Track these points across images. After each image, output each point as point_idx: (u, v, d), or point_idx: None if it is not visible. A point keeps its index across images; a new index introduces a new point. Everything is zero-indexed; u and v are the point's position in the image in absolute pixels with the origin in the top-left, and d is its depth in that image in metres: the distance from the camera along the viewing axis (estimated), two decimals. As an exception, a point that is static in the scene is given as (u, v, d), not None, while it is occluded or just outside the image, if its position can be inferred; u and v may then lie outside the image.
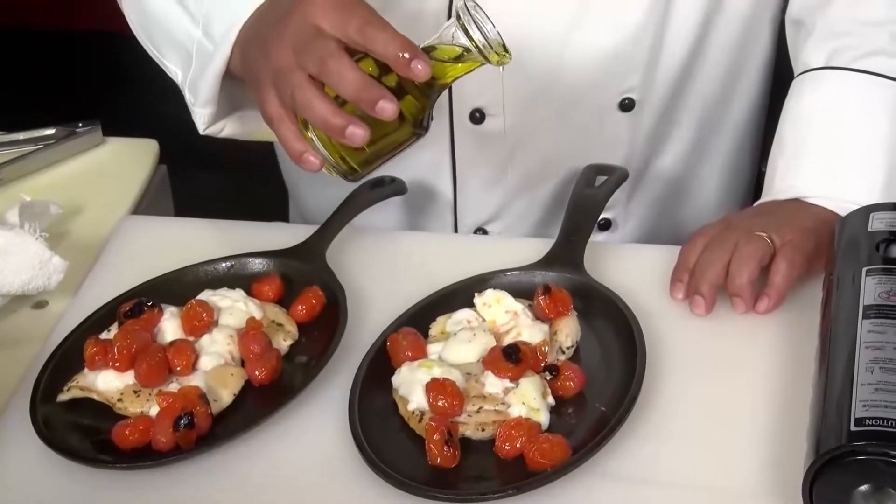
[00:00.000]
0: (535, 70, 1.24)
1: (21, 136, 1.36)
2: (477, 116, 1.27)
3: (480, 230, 1.35)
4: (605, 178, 1.20)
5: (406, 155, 1.28)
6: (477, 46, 0.95)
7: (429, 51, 0.96)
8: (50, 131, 1.35)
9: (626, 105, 1.26)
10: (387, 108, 0.93)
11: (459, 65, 0.97)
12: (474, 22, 0.95)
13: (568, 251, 1.12)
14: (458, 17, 0.95)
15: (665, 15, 1.22)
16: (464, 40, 0.95)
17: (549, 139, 1.28)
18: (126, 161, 1.37)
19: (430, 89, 0.97)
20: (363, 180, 1.04)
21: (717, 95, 1.32)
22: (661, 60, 1.25)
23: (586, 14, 1.21)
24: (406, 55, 0.92)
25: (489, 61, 0.97)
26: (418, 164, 1.30)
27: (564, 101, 1.26)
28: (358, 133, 0.94)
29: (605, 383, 1.00)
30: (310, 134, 0.98)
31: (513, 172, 1.30)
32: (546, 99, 1.26)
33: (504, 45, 0.97)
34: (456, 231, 1.35)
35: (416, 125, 0.98)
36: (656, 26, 1.23)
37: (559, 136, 1.28)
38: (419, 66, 0.93)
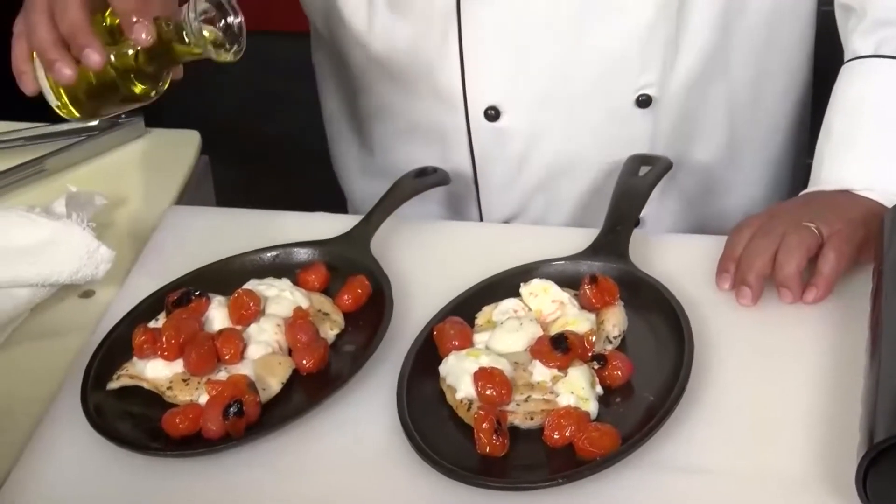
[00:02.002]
0: (545, 68, 1.24)
1: (65, 127, 1.36)
2: (491, 114, 1.27)
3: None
4: (649, 168, 1.20)
5: (429, 151, 1.30)
6: (184, 33, 0.99)
7: (174, 22, 0.99)
8: (93, 122, 1.36)
9: (643, 102, 1.25)
10: (91, 57, 0.98)
11: (183, 47, 1.00)
12: (194, 8, 0.98)
13: (613, 241, 1.12)
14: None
15: (680, 10, 1.22)
16: (182, 23, 0.99)
17: (565, 136, 1.28)
18: (168, 152, 1.37)
19: (162, 59, 1.01)
20: (88, 122, 1.10)
21: (747, 91, 1.31)
22: (680, 57, 1.24)
23: (594, 10, 1.21)
24: (135, 17, 0.98)
25: (208, 54, 1.00)
26: (440, 160, 1.30)
27: (578, 98, 1.26)
28: (65, 72, 0.99)
29: (652, 373, 1.00)
30: (35, 59, 1.02)
31: (531, 169, 1.30)
32: (559, 97, 1.26)
33: (230, 43, 1.01)
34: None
35: (145, 90, 1.03)
36: (670, 22, 1.22)
37: (576, 133, 1.28)
38: (142, 32, 0.98)
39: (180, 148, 1.38)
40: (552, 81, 1.25)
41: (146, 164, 1.36)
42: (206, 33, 1.00)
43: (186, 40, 0.99)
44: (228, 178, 1.51)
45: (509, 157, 1.30)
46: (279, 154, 1.85)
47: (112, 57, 1.00)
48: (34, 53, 1.02)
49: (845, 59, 1.20)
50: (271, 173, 1.89)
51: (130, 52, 1.01)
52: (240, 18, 1.02)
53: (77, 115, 1.05)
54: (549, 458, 0.93)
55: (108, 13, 1.01)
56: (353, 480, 0.94)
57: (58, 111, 1.05)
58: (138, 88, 1.03)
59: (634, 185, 1.18)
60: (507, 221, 1.35)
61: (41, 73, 1.02)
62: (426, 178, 1.22)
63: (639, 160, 1.21)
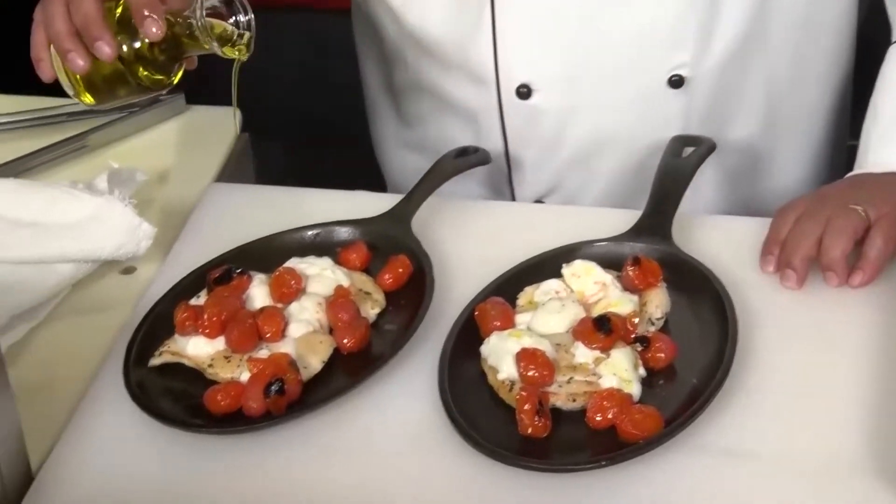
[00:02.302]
0: (577, 45, 1.23)
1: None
2: (523, 92, 1.26)
3: (538, 202, 1.34)
4: (693, 148, 1.19)
5: (462, 127, 1.29)
6: (195, 29, 1.01)
7: (184, 17, 1.01)
8: (147, 96, 1.36)
9: (676, 82, 1.24)
10: (102, 49, 1.01)
11: (193, 41, 1.02)
12: (201, 5, 1.00)
13: (657, 222, 1.11)
14: None
15: None
16: (190, 18, 1.01)
17: (597, 115, 1.28)
18: (210, 129, 1.37)
19: (172, 51, 1.03)
20: (105, 108, 1.12)
21: (787, 71, 1.29)
22: (714, 38, 1.23)
23: None
24: (146, 11, 1.00)
25: (215, 51, 1.03)
26: (471, 138, 1.30)
27: (608, 77, 1.25)
28: (77, 62, 1.02)
29: (695, 355, 0.99)
30: (52, 49, 1.04)
31: (563, 148, 1.30)
32: (590, 75, 1.25)
33: (243, 41, 1.03)
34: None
35: (157, 80, 1.06)
36: (704, 1, 1.20)
37: (607, 112, 1.27)
38: (152, 27, 1.00)
39: (221, 125, 1.38)
40: (583, 60, 1.24)
41: (187, 141, 1.37)
42: (214, 30, 1.01)
43: (195, 36, 1.00)
44: (269, 156, 1.51)
45: (541, 136, 1.29)
46: (321, 131, 1.85)
47: (124, 48, 1.02)
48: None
49: (892, 40, 1.18)
50: (312, 150, 1.89)
51: (142, 43, 1.03)
52: (249, 16, 1.03)
53: (92, 102, 1.07)
54: (591, 441, 0.93)
55: (121, 4, 1.03)
56: (393, 460, 0.94)
57: (73, 98, 1.07)
58: (150, 78, 1.05)
59: (678, 166, 1.17)
60: (539, 200, 1.35)
61: (58, 62, 1.04)
62: (467, 158, 1.22)
63: (682, 141, 1.20)
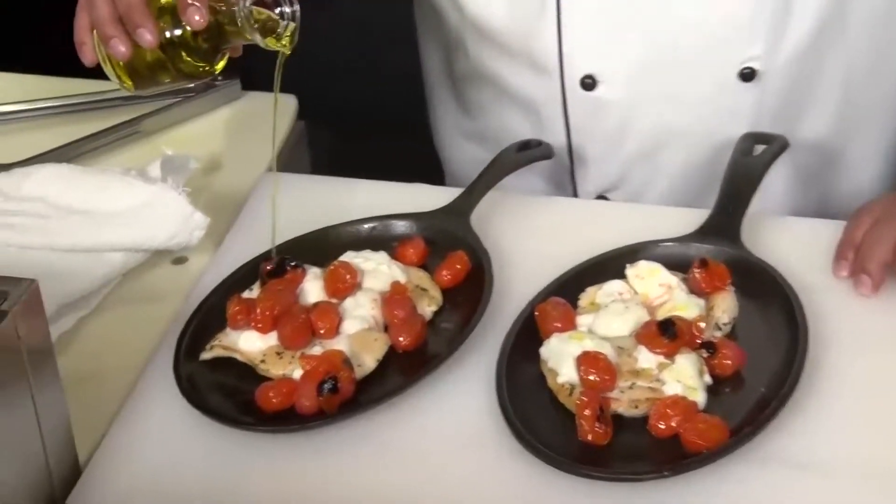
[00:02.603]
0: (645, 36, 1.22)
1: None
2: (588, 83, 1.25)
3: (601, 197, 1.33)
4: (764, 146, 1.17)
5: (524, 119, 1.28)
6: (238, 18, 1.00)
7: (228, 5, 1.01)
8: (189, 84, 1.36)
9: (748, 75, 1.22)
10: (144, 36, 1.01)
11: (236, 31, 1.01)
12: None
13: (725, 223, 1.10)
14: None
15: None
16: (235, 8, 1.01)
17: (664, 108, 1.26)
18: (264, 116, 1.36)
19: (215, 39, 1.03)
20: (143, 94, 1.11)
21: (865, 64, 1.27)
22: (789, 30, 1.21)
23: None
24: (189, 0, 1.00)
25: (257, 42, 1.02)
26: (533, 130, 1.29)
27: (677, 69, 1.23)
28: (119, 49, 1.02)
29: (764, 363, 0.97)
30: (95, 33, 1.04)
31: (628, 141, 1.28)
32: (658, 67, 1.23)
33: (287, 32, 1.02)
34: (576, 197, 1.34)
35: (199, 68, 1.05)
36: None
37: (674, 105, 1.26)
38: (195, 15, 1.00)
39: (277, 112, 1.37)
40: (651, 51, 1.22)
41: (241, 128, 1.36)
42: (257, 20, 1.01)
43: (238, 25, 1.00)
44: (325, 145, 1.50)
45: (606, 129, 1.28)
46: (378, 120, 1.84)
47: (167, 35, 1.02)
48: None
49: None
50: (369, 140, 1.89)
51: (185, 31, 1.02)
52: (295, 7, 1.02)
53: (133, 88, 1.07)
54: (653, 449, 0.92)
55: None
56: (447, 462, 0.93)
57: (115, 82, 1.07)
58: (193, 66, 1.05)
59: (748, 165, 1.15)
60: (602, 195, 1.33)
61: (100, 46, 1.04)
62: (530, 152, 1.21)
63: (753, 139, 1.18)
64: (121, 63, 1.05)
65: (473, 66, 1.34)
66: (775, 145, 1.17)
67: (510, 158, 1.19)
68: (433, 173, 1.50)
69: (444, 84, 1.43)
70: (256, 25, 1.01)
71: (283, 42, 1.03)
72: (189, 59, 1.04)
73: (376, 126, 1.95)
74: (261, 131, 1.34)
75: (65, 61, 1.34)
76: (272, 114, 1.31)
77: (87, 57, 1.06)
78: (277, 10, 1.02)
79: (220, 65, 1.06)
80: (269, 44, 1.03)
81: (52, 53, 1.37)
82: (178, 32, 1.03)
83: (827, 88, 1.27)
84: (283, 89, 1.40)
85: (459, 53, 1.36)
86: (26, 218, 1.13)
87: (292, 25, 1.03)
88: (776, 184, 1.31)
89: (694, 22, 1.21)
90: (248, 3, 1.00)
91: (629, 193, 1.32)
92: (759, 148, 1.17)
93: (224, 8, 1.01)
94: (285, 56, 1.05)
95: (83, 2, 1.05)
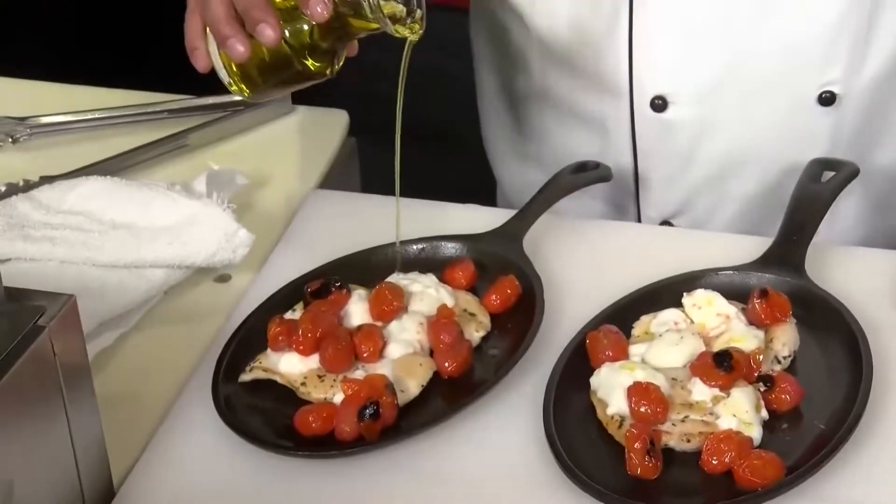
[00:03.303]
0: (720, 57, 1.22)
1: (210, 100, 1.39)
2: (658, 104, 1.25)
3: (666, 223, 1.33)
4: (833, 173, 1.17)
5: (588, 141, 1.28)
6: (364, 6, 0.98)
7: None
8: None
9: (827, 99, 1.22)
10: (265, 32, 0.99)
11: (360, 21, 1.00)
12: None
13: (788, 252, 1.10)
14: None
15: (874, 2, 1.18)
16: None
17: (736, 132, 1.26)
18: (314, 132, 1.39)
19: (337, 33, 1.02)
20: (260, 101, 1.12)
21: None
22: (871, 51, 1.21)
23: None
24: None
25: (386, 28, 1.00)
26: (596, 152, 1.29)
27: (753, 92, 1.23)
28: (238, 48, 1.00)
29: (824, 399, 0.97)
30: (209, 35, 1.03)
31: (698, 165, 1.29)
32: (732, 89, 1.23)
33: (414, 19, 1.01)
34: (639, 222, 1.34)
35: (319, 68, 1.04)
36: (861, 16, 1.18)
37: (748, 128, 1.26)
38: (318, 6, 0.98)
39: (327, 128, 1.39)
40: (726, 73, 1.23)
41: (290, 144, 1.38)
42: (385, 7, 1.00)
43: (364, 13, 0.99)
44: (376, 162, 1.51)
45: (675, 152, 1.28)
46: (431, 137, 1.86)
47: (287, 32, 1.01)
48: (207, 29, 1.04)
49: None
50: (422, 157, 1.90)
51: (306, 27, 1.02)
52: None
53: (248, 93, 1.06)
54: (705, 486, 0.92)
55: None
56: (491, 493, 0.94)
57: (229, 88, 1.06)
58: (313, 66, 1.04)
59: (815, 191, 1.15)
60: (666, 220, 1.33)
61: (213, 49, 1.04)
62: (586, 174, 1.21)
63: (821, 164, 1.18)
64: (235, 67, 1.04)
65: (536, 85, 1.35)
66: (844, 172, 1.17)
67: (566, 180, 1.20)
68: (488, 192, 1.51)
69: (500, 104, 1.44)
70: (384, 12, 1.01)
71: (414, 27, 1.03)
72: (309, 58, 1.03)
73: (430, 143, 1.97)
74: (310, 147, 1.37)
75: (113, 71, 1.37)
76: (327, 124, 1.33)
77: (201, 62, 1.05)
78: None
79: (338, 65, 1.05)
80: (399, 31, 1.02)
81: (101, 63, 1.40)
82: (301, 28, 1.01)
83: (904, 114, 1.27)
84: (335, 104, 1.43)
85: (521, 72, 1.36)
86: (68, 231, 1.15)
87: (419, 12, 1.02)
88: (848, 212, 1.31)
89: (775, 42, 1.21)
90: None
91: (694, 219, 1.32)
92: (828, 174, 1.17)
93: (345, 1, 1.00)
94: (413, 43, 1.04)
95: (195, 4, 1.04)
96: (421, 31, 1.03)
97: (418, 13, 1.02)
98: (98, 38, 2.25)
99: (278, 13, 1.01)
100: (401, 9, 1.02)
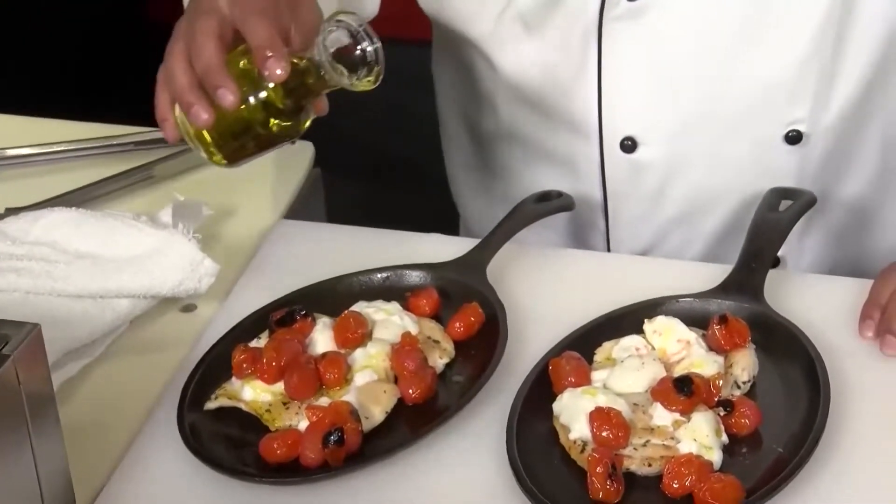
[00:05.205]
0: (689, 99, 1.23)
1: (175, 132, 1.39)
2: (628, 145, 1.26)
3: (636, 259, 1.34)
4: (791, 202, 1.19)
5: (557, 181, 1.29)
6: (319, 64, 1.00)
7: (305, 59, 1.01)
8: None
9: (793, 137, 1.24)
10: (225, 96, 1.00)
11: (319, 80, 1.02)
12: (324, 40, 1.00)
13: (747, 279, 1.11)
14: (320, 32, 1.00)
15: (837, 43, 1.20)
16: (315, 55, 1.01)
17: (706, 171, 1.27)
18: (280, 163, 1.40)
19: (298, 93, 1.03)
20: (237, 167, 1.09)
21: None
22: (836, 90, 1.22)
23: (746, 41, 1.20)
24: (268, 52, 0.99)
25: (343, 85, 1.02)
26: (569, 190, 1.29)
27: (722, 131, 1.24)
28: (202, 116, 1.01)
29: (783, 423, 0.99)
30: (177, 107, 1.04)
31: (667, 204, 1.30)
32: (701, 130, 1.24)
33: (371, 72, 1.03)
34: None
35: (286, 129, 1.05)
36: (826, 56, 1.20)
37: (717, 168, 1.27)
38: (275, 68, 0.99)
39: (292, 159, 1.40)
40: (695, 113, 1.24)
41: (256, 175, 1.38)
42: (339, 64, 1.01)
43: (321, 73, 1.01)
44: (340, 193, 1.53)
45: (644, 191, 1.29)
46: (395, 169, 1.87)
47: (251, 100, 1.03)
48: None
49: None
50: (385, 189, 1.92)
51: (268, 91, 1.03)
52: (376, 45, 1.03)
53: (223, 161, 1.07)
54: (665, 509, 0.93)
55: (242, 50, 1.03)
56: (455, 520, 0.95)
57: (209, 160, 1.07)
58: (278, 127, 1.05)
59: (773, 220, 1.17)
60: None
61: (183, 121, 1.05)
62: (549, 203, 1.22)
63: (779, 194, 1.20)
64: (206, 136, 1.05)
65: (504, 125, 1.35)
66: (801, 201, 1.19)
67: (529, 209, 1.21)
68: (450, 221, 1.52)
69: (466, 142, 1.44)
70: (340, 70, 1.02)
71: (371, 79, 1.04)
72: (275, 120, 1.05)
73: (395, 174, 1.98)
74: (275, 178, 1.38)
75: (78, 104, 1.38)
76: (291, 156, 1.33)
77: (170, 134, 1.06)
78: (359, 49, 1.03)
79: (306, 123, 1.06)
80: (354, 86, 1.03)
81: (66, 97, 1.40)
82: (262, 95, 1.02)
83: (868, 148, 1.28)
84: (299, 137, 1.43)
85: (487, 112, 1.37)
86: (33, 262, 1.15)
87: (376, 68, 1.03)
88: (811, 243, 1.33)
89: (741, 84, 1.22)
90: (328, 49, 1.00)
91: (664, 255, 1.33)
92: (786, 203, 1.19)
93: (303, 59, 1.02)
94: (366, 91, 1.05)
95: (162, 77, 1.05)
96: (376, 84, 1.04)
97: (376, 69, 1.04)
98: (64, 71, 2.27)
99: (241, 77, 1.02)
100: (357, 64, 1.03)
